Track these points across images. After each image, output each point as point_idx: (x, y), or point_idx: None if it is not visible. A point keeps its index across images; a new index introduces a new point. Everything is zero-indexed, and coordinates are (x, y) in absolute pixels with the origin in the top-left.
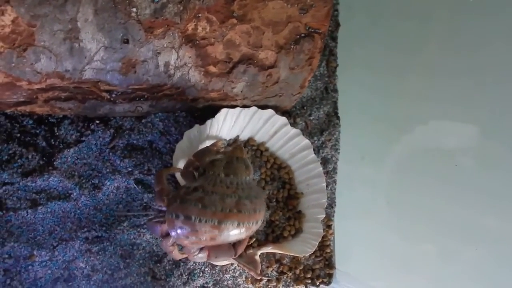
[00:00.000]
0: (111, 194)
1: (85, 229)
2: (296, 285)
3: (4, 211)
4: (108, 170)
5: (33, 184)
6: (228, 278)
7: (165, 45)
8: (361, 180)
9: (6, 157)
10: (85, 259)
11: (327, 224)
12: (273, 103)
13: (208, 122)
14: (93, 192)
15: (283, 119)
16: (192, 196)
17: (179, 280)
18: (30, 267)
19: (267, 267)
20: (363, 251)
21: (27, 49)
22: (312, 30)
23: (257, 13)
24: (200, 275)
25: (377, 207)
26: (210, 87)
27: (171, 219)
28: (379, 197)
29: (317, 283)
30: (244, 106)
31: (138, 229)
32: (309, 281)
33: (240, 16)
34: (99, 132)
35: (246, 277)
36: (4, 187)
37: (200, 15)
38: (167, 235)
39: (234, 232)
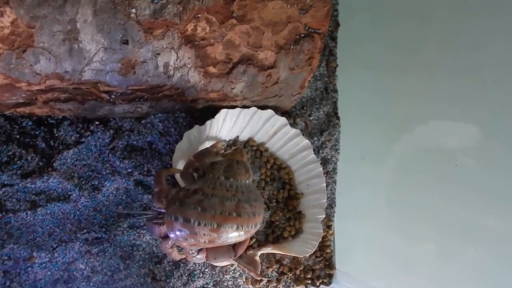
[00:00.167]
0: (110, 195)
1: (85, 231)
2: (297, 286)
3: (3, 213)
4: (107, 171)
5: (33, 186)
6: (228, 279)
7: (164, 46)
8: (361, 180)
9: (6, 158)
10: (85, 260)
11: (327, 225)
12: (273, 104)
13: (208, 122)
14: (92, 193)
15: (283, 120)
16: (191, 198)
17: (179, 281)
18: (29, 268)
19: (267, 268)
20: (363, 251)
21: (26, 50)
22: (312, 30)
23: (256, 14)
24: (200, 276)
25: (377, 207)
26: (209, 88)
27: (170, 221)
28: (379, 197)
29: (317, 284)
30: (244, 107)
31: (138, 230)
32: (309, 282)
33: (240, 17)
34: (99, 133)
35: (246, 278)
36: (3, 189)
37: (199, 15)
38: (166, 236)
39: (233, 235)
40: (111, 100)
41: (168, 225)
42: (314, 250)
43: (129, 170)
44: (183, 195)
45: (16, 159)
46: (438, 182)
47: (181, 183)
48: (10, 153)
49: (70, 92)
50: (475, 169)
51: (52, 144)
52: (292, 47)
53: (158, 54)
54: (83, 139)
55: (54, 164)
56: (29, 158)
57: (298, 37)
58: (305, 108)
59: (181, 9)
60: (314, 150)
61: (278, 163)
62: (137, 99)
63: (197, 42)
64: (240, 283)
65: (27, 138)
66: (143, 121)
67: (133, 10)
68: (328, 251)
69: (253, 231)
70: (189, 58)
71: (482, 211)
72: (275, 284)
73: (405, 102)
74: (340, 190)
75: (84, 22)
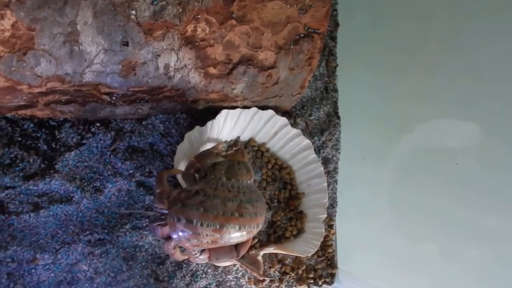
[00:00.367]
0: (112, 196)
1: (88, 232)
2: (299, 285)
3: (6, 215)
4: (109, 173)
5: (35, 188)
6: (231, 279)
7: (164, 47)
8: (362, 180)
9: (8, 161)
10: (88, 262)
11: (329, 224)
12: (273, 104)
13: (209, 123)
14: (94, 195)
15: (284, 120)
16: (193, 199)
17: (182, 281)
18: (33, 270)
19: (270, 268)
20: (365, 250)
21: (27, 52)
22: (311, 30)
23: (256, 14)
24: (203, 276)
25: (378, 207)
26: (210, 89)
27: (172, 222)
28: (380, 196)
29: (320, 283)
30: (244, 107)
31: (140, 231)
32: (312, 281)
33: (239, 17)
34: (100, 134)
35: (248, 278)
36: (6, 191)
37: (199, 16)
38: (168, 237)
39: (236, 236)
40: (112, 101)
41: (171, 226)
42: (316, 249)
43: (131, 172)
44: (185, 196)
45: (18, 162)
46: (439, 182)
47: (183, 184)
48: (12, 155)
49: (71, 94)
50: (476, 169)
51: (54, 146)
52: (291, 47)
53: (158, 55)
54: (84, 141)
55: (56, 166)
56: (31, 160)
57: (297, 37)
58: (305, 108)
59: (180, 10)
60: (315, 150)
61: (279, 163)
62: (138, 101)
63: (197, 43)
64: (242, 283)
65: (28, 140)
66: (144, 122)
67: (133, 12)
68: (330, 250)
69: (255, 231)
70: (189, 59)
71: (483, 210)
72: (277, 284)
73: (405, 101)
74: (341, 190)
75: (84, 24)
